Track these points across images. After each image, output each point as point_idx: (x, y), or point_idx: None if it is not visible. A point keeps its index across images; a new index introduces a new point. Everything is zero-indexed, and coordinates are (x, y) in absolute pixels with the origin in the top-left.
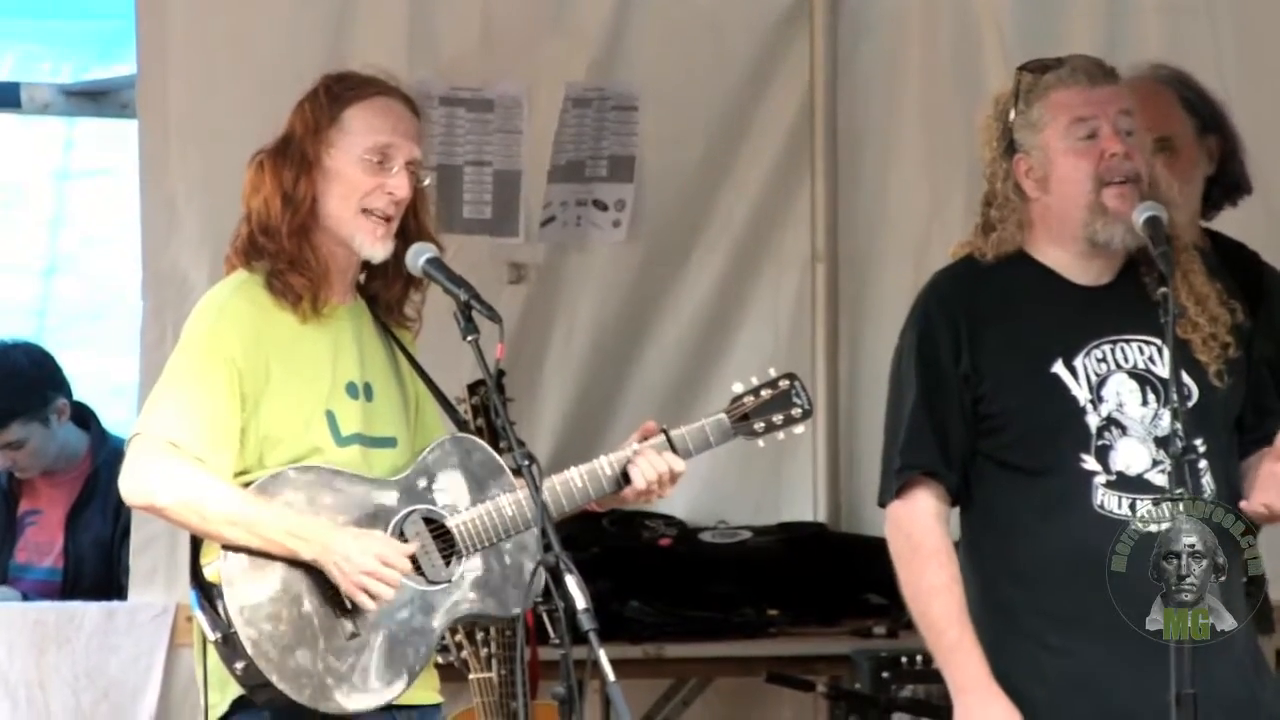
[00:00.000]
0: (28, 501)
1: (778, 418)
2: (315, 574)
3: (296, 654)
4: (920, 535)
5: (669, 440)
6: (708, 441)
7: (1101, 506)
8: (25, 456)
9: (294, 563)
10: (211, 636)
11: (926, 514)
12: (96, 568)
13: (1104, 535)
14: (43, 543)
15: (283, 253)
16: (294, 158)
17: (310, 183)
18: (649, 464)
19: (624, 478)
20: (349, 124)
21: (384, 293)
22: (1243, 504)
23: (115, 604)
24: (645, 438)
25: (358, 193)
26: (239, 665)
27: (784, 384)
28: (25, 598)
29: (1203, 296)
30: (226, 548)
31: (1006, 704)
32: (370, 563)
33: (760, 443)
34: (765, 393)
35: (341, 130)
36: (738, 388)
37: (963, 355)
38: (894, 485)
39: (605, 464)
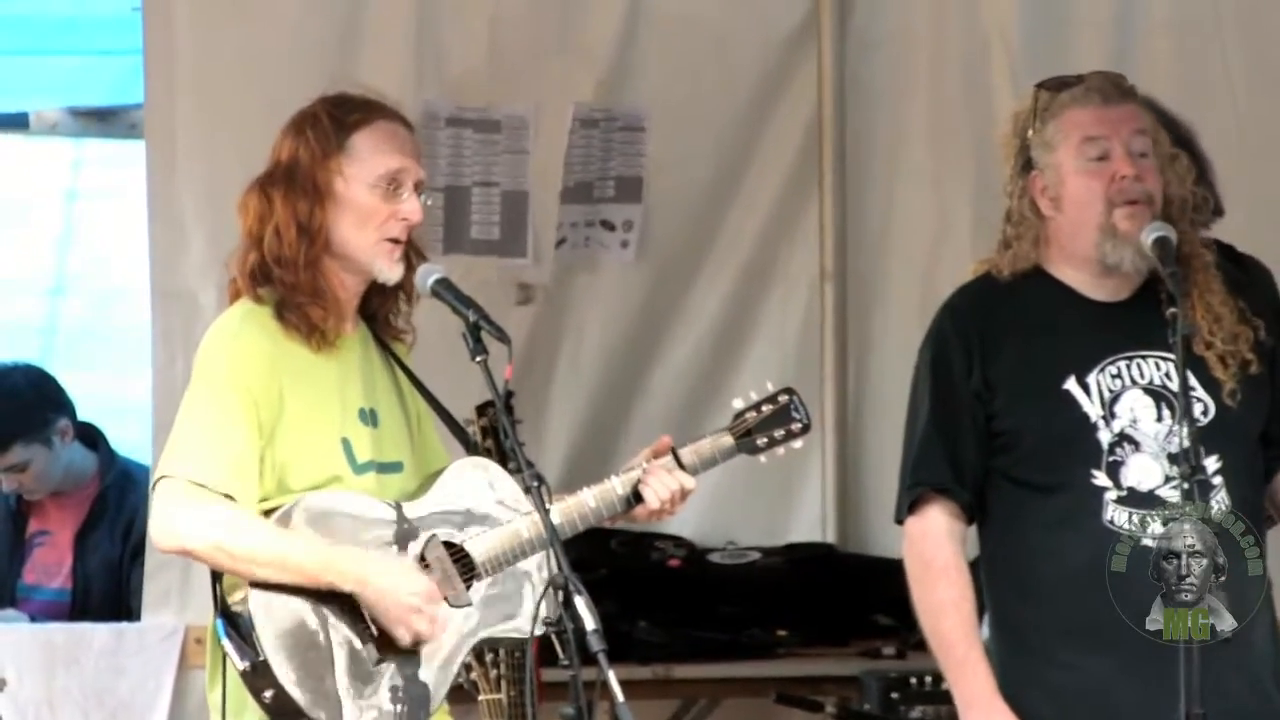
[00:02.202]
0: (37, 522)
1: (779, 433)
2: (341, 600)
3: (325, 681)
4: (932, 552)
5: (677, 459)
6: (714, 459)
7: (1111, 522)
8: (30, 479)
9: (320, 590)
10: (240, 665)
11: (938, 531)
12: (105, 588)
13: (1113, 550)
14: (51, 564)
15: (299, 286)
16: (305, 187)
17: (324, 212)
18: (661, 484)
19: (635, 496)
20: (358, 151)
21: (380, 309)
22: None
23: (124, 625)
24: (657, 454)
25: (373, 220)
26: (268, 694)
27: (782, 399)
28: (33, 619)
29: (1219, 314)
30: (256, 585)
31: (1011, 718)
32: (416, 601)
33: (763, 459)
34: (765, 408)
35: (351, 158)
36: (738, 404)
37: (975, 372)
38: (906, 502)
39: (617, 484)
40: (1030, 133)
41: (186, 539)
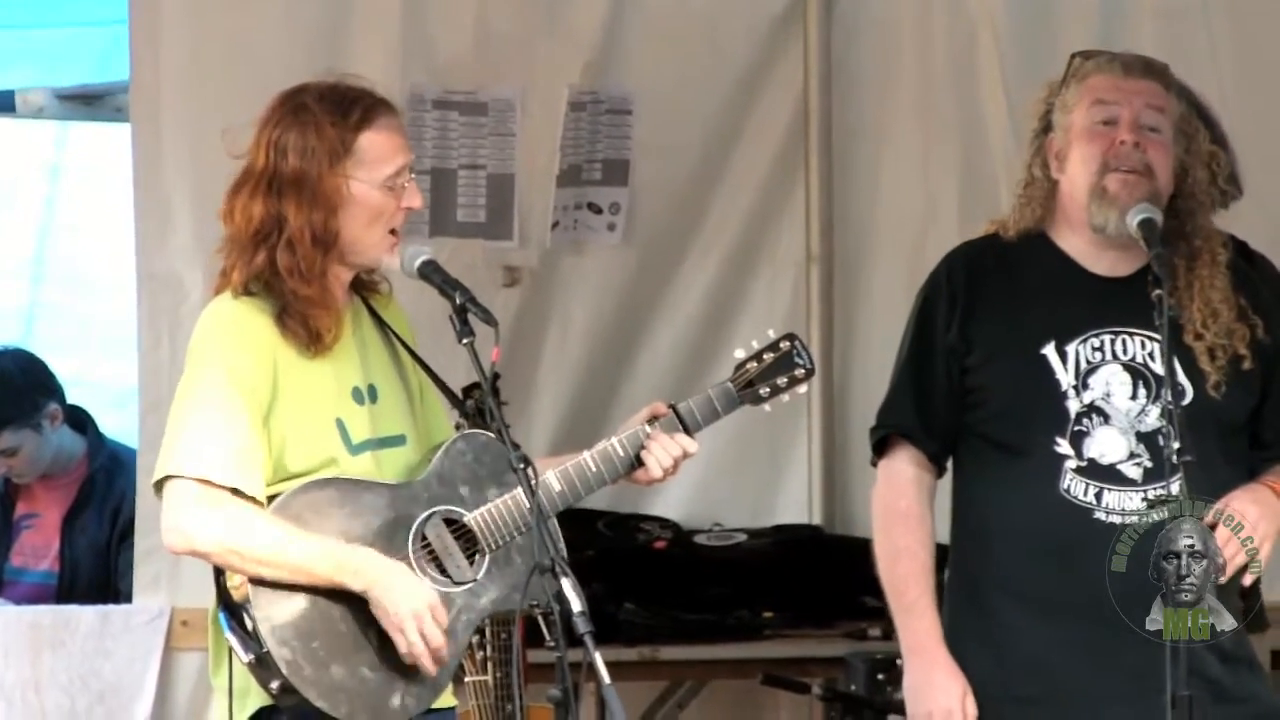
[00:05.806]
0: (24, 505)
1: (782, 380)
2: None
3: (331, 669)
4: (893, 498)
5: (678, 416)
6: (716, 412)
7: (1067, 491)
8: (20, 463)
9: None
10: (245, 658)
11: (903, 477)
12: (93, 571)
13: (1064, 519)
14: (39, 546)
15: (311, 299)
16: (317, 198)
17: (337, 221)
18: (663, 450)
19: (636, 460)
20: (365, 154)
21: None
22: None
23: (111, 607)
24: (653, 418)
25: (384, 217)
26: (274, 684)
27: (785, 345)
28: (20, 602)
29: (1217, 310)
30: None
31: (952, 668)
32: (420, 607)
33: (767, 407)
34: (767, 356)
35: (359, 161)
36: (739, 354)
37: (954, 326)
38: (873, 443)
39: (617, 445)
40: (1057, 97)
41: (197, 542)
